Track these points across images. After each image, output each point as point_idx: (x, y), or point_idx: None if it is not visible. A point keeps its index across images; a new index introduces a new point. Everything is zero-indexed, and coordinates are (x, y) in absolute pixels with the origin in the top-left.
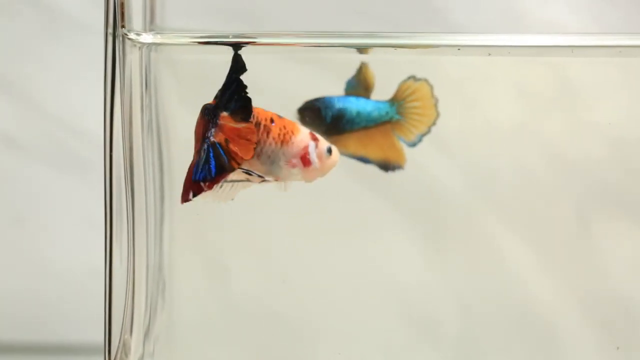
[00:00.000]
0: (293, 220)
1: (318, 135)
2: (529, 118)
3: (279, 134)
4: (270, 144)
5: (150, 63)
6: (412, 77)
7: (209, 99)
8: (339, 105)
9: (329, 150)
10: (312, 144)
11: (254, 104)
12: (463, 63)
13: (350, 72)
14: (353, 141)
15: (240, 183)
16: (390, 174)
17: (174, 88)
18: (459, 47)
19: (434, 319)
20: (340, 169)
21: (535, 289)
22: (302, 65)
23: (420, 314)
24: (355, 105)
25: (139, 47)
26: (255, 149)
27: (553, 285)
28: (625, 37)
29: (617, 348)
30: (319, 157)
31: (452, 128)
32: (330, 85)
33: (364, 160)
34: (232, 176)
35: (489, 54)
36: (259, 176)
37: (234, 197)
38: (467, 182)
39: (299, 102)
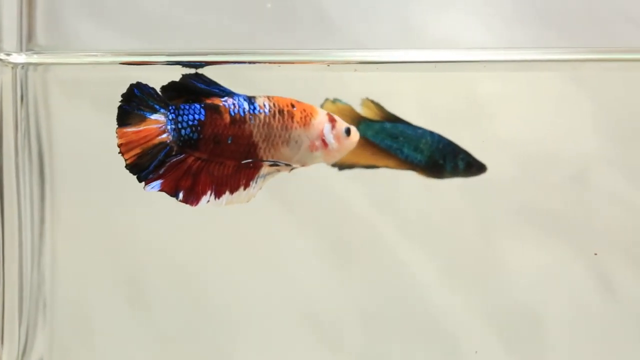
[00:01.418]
0: (193, 235)
1: (336, 117)
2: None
3: (301, 117)
4: (295, 128)
5: (27, 82)
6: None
7: (94, 116)
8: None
9: (347, 131)
10: (327, 125)
11: None
12: (366, 79)
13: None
14: None
15: (264, 179)
16: (298, 190)
17: (58, 106)
18: (328, 63)
19: (339, 331)
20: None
21: (440, 300)
22: None
23: (326, 325)
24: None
25: (12, 67)
26: (283, 135)
27: (457, 297)
28: (522, 51)
29: (476, 352)
30: (337, 137)
31: None
32: None
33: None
34: (262, 171)
35: (355, 70)
36: (287, 165)
37: (250, 199)
38: (372, 197)
39: None
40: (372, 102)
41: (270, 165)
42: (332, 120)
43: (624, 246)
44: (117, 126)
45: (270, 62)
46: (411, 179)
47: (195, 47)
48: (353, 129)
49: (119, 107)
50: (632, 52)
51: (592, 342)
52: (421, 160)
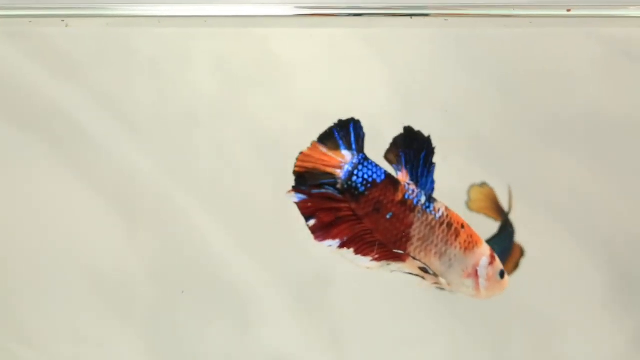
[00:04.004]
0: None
1: (496, 256)
2: (228, 94)
3: (465, 240)
4: (455, 247)
5: None
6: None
7: None
8: None
9: (502, 274)
10: (485, 259)
11: None
12: (159, 37)
13: None
14: None
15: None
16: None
17: None
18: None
19: (127, 294)
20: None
21: (231, 262)
22: None
23: (114, 289)
24: None
25: None
26: (440, 246)
27: (250, 261)
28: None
29: (182, 292)
30: (489, 276)
31: (147, 108)
32: None
33: None
34: (405, 267)
35: (107, 24)
36: (434, 275)
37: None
38: (162, 161)
39: None
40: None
41: (420, 268)
42: (492, 257)
43: None
44: (316, 140)
45: None
46: (204, 141)
47: None
48: (507, 276)
49: (330, 128)
50: (419, 8)
51: (376, 302)
52: None
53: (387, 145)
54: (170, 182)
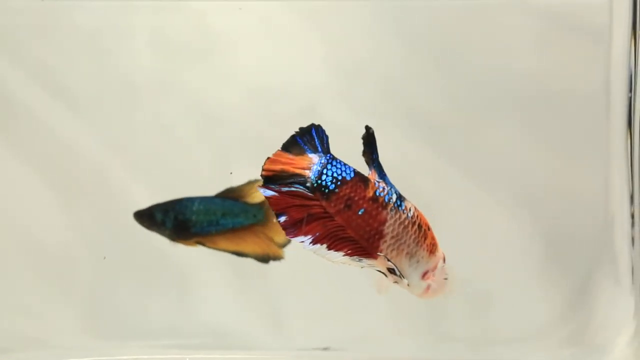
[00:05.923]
0: None
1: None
2: (167, 69)
3: (430, 243)
4: (423, 249)
5: None
6: None
7: None
8: (196, 207)
9: (446, 277)
10: (442, 262)
11: None
12: (97, 10)
13: None
14: (223, 240)
15: (363, 266)
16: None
17: None
18: None
19: (66, 268)
20: None
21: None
22: None
23: (53, 263)
24: (221, 207)
25: None
26: (412, 246)
27: None
28: None
29: (104, 258)
30: (439, 278)
31: (85, 81)
32: None
33: (240, 254)
34: (376, 264)
35: None
36: (400, 276)
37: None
38: (100, 135)
39: None
40: None
41: (388, 269)
42: (444, 260)
43: None
44: (280, 148)
45: None
46: (143, 115)
47: None
48: (451, 279)
49: (292, 136)
50: None
51: (315, 275)
52: None
53: (323, 119)
54: (108, 156)
